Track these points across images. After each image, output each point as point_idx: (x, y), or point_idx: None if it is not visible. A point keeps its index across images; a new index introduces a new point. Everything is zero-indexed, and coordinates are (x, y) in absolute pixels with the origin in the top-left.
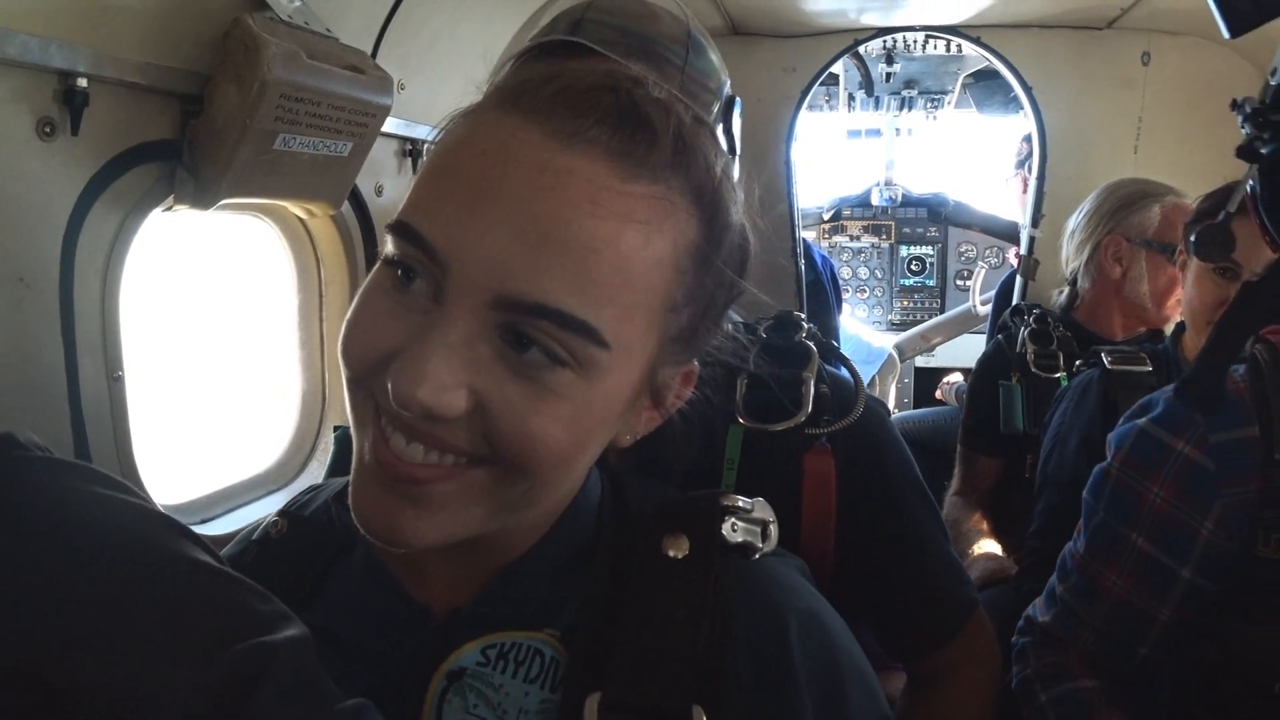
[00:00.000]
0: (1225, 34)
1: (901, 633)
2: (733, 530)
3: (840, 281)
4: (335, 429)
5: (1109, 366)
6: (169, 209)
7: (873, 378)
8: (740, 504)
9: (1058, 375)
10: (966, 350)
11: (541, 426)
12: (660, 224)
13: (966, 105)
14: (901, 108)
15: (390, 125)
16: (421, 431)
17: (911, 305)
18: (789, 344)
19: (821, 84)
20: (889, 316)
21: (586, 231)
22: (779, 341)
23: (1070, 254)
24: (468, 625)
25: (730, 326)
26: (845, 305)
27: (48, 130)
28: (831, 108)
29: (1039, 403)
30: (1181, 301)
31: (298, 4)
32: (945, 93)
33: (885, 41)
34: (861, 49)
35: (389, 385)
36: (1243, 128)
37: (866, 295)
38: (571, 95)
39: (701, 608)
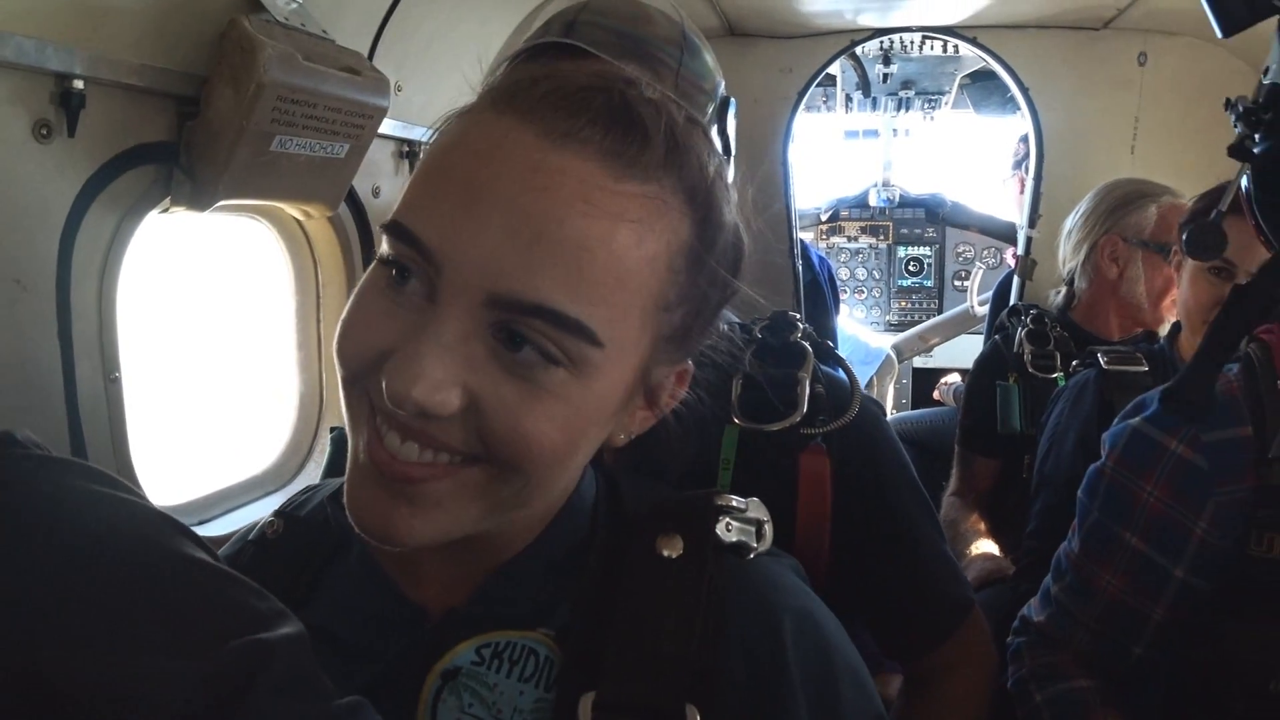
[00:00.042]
0: (1218, 34)
1: (897, 632)
2: (727, 530)
3: (838, 282)
4: (331, 430)
5: (1105, 367)
6: (166, 210)
7: (871, 378)
8: (735, 504)
9: (1055, 375)
10: (964, 351)
11: (535, 425)
12: (653, 223)
13: (964, 106)
14: (899, 108)
15: (387, 127)
16: (416, 430)
17: (909, 306)
18: (784, 344)
19: (819, 85)
20: (887, 317)
21: (579, 230)
22: (774, 342)
23: (1067, 254)
24: (462, 624)
25: (726, 327)
26: (843, 306)
27: (44, 132)
28: (829, 108)
29: (1036, 403)
30: (1177, 301)
31: (294, 6)
32: (942, 93)
33: (882, 42)
34: (858, 50)
35: (383, 384)
36: (1235, 127)
37: (864, 296)
38: (564, 95)
39: (696, 607)
